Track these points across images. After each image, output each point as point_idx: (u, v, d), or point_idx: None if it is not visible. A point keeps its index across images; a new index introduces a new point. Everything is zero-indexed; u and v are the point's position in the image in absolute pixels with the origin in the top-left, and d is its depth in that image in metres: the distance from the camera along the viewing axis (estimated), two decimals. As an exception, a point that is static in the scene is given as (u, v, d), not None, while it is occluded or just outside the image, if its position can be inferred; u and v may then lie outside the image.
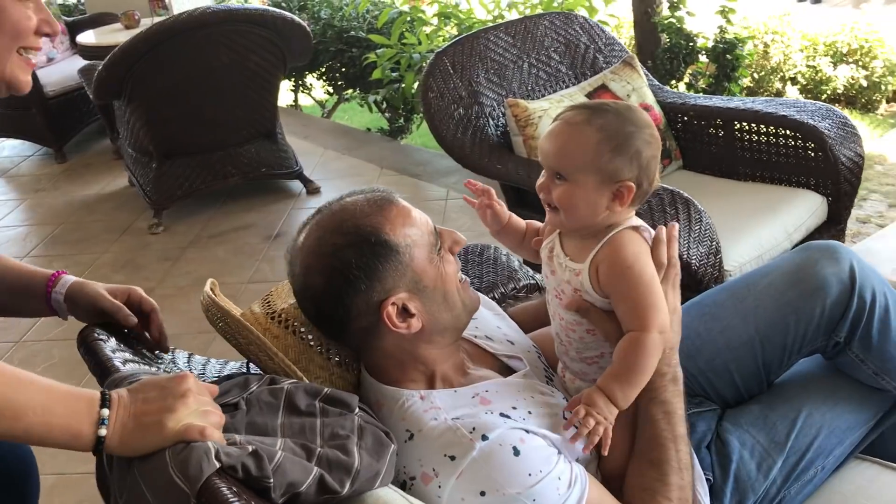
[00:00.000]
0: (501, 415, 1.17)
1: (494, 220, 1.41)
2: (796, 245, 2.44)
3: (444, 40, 4.31)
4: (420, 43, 4.29)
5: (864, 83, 5.22)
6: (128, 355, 1.18)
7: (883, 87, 5.24)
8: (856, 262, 1.39)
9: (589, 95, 2.68)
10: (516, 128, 2.51)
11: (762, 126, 2.59)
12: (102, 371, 1.09)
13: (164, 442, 0.91)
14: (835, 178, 2.47)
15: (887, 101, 5.39)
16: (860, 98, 5.34)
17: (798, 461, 1.39)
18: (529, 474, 1.09)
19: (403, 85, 4.29)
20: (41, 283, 1.27)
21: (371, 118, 5.95)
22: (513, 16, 4.19)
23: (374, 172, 4.38)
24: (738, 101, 2.73)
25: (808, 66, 5.39)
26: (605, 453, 1.18)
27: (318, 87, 5.96)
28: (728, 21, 3.87)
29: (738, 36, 3.75)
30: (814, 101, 2.67)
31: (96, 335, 1.20)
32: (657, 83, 2.94)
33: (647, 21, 4.02)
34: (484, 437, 1.11)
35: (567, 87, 2.83)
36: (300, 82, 5.85)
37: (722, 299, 1.50)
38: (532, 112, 2.50)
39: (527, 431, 1.14)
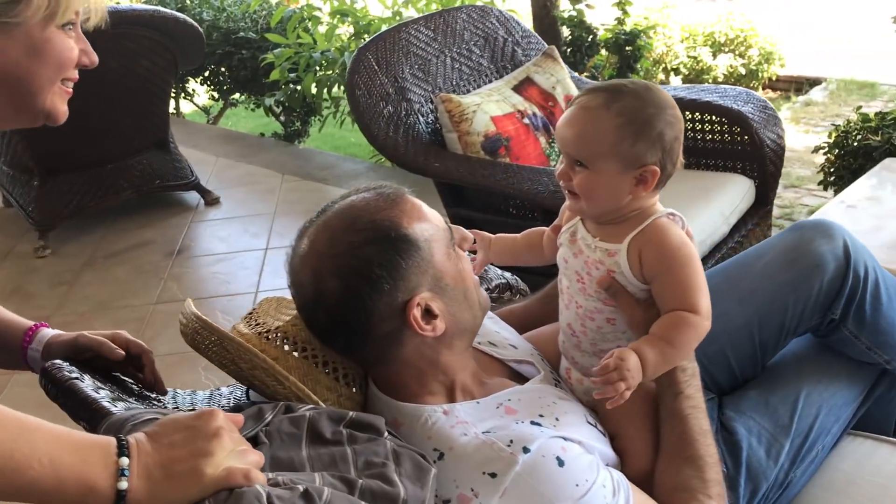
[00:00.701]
0: (532, 423, 1.09)
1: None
2: (733, 228, 2.48)
3: (344, 38, 4.18)
4: (316, 42, 4.13)
5: (743, 71, 5.47)
6: (111, 393, 1.02)
7: (760, 74, 5.50)
8: (847, 237, 1.39)
9: (515, 89, 2.64)
10: (450, 124, 2.42)
11: (689, 113, 2.61)
12: (91, 414, 0.93)
13: (203, 492, 0.78)
14: (761, 160, 2.53)
15: (763, 88, 5.67)
16: (739, 85, 5.58)
17: (803, 443, 1.38)
18: (577, 485, 1.01)
19: (301, 86, 4.13)
20: (17, 336, 1.12)
21: (261, 123, 5.72)
22: (410, 13, 4.10)
23: (276, 179, 4.19)
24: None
25: (689, 56, 5.59)
26: (609, 407, 1.10)
27: (201, 93, 5.67)
28: (625, 13, 3.93)
29: (639, 26, 3.81)
30: (734, 87, 2.72)
31: (67, 372, 1.03)
32: (576, 75, 2.93)
33: (546, 14, 4.02)
34: (525, 450, 1.02)
35: (490, 80, 2.77)
36: (181, 88, 5.55)
37: (716, 284, 1.47)
38: (465, 107, 2.43)
39: (565, 439, 1.06)
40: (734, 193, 2.49)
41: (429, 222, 1.13)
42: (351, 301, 1.07)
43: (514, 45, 2.90)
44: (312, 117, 4.75)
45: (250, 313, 1.24)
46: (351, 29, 4.23)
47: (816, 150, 2.78)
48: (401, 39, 2.61)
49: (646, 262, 1.15)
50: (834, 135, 2.68)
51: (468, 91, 2.68)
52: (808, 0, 7.67)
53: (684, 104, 2.62)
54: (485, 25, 2.86)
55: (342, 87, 4.10)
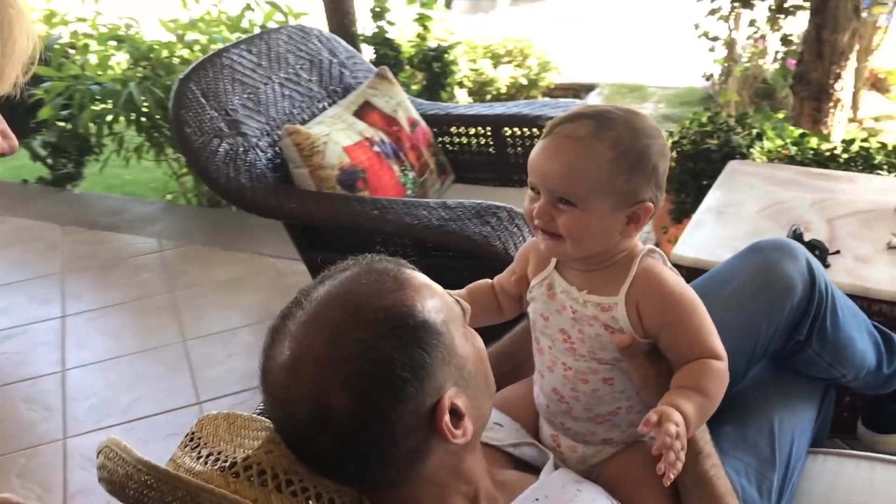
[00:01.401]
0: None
1: None
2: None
3: (117, 68, 3.70)
4: (84, 71, 3.62)
5: (524, 81, 5.59)
6: None
7: (539, 83, 5.67)
8: (808, 255, 1.35)
9: (356, 115, 2.43)
10: (299, 158, 2.16)
11: (534, 129, 2.55)
12: None
13: None
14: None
15: (543, 95, 5.85)
16: (521, 95, 5.71)
17: (785, 473, 1.33)
18: None
19: (74, 123, 3.60)
20: None
21: (12, 166, 4.97)
22: (196, 37, 3.73)
23: (54, 231, 3.62)
24: (501, 107, 2.66)
25: (471, 69, 5.63)
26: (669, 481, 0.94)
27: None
28: (426, 28, 3.84)
29: (445, 41, 3.74)
30: (566, 99, 2.71)
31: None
32: (409, 95, 2.77)
33: (344, 32, 3.82)
34: None
35: (323, 106, 2.54)
36: None
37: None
38: (315, 139, 2.17)
39: None
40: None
41: (440, 298, 0.91)
42: (369, 418, 0.83)
43: (340, 67, 2.68)
44: (88, 157, 4.18)
45: (190, 439, 0.95)
46: (127, 56, 3.76)
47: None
48: (224, 66, 2.30)
49: (647, 314, 1.02)
50: (670, 141, 2.74)
51: (304, 120, 2.42)
52: (569, 11, 8.12)
53: (529, 120, 2.55)
54: (308, 47, 2.62)
55: (126, 122, 3.63)
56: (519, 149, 2.59)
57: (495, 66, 5.65)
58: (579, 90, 5.86)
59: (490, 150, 2.64)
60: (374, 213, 2.01)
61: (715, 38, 3.14)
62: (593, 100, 5.60)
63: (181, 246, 3.38)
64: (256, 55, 2.42)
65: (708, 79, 3.30)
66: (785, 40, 3.10)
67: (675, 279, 1.04)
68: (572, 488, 1.00)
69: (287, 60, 2.52)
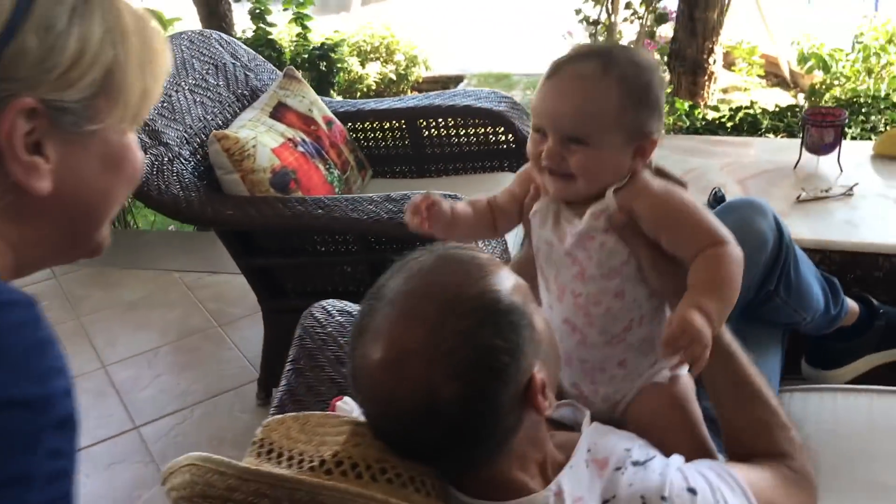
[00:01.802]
0: (634, 464, 0.97)
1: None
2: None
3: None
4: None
5: (393, 76, 5.62)
6: None
7: (409, 78, 5.72)
8: (773, 211, 1.47)
9: (273, 117, 2.38)
10: (229, 164, 2.10)
11: (451, 119, 2.59)
12: None
13: None
14: (524, 155, 2.60)
15: (411, 90, 5.90)
16: (390, 90, 5.73)
17: None
18: (718, 502, 0.93)
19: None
20: None
21: None
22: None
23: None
24: (413, 100, 2.69)
25: (338, 67, 5.61)
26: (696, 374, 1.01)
27: None
28: (306, 28, 3.79)
29: (331, 40, 3.71)
30: (481, 89, 2.77)
31: None
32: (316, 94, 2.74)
33: (221, 36, 3.72)
34: (663, 499, 0.91)
35: (234, 110, 2.47)
36: None
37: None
38: (244, 143, 2.12)
39: (674, 467, 0.97)
40: (517, 190, 2.53)
41: (516, 279, 0.93)
42: (476, 405, 0.84)
43: (244, 70, 2.61)
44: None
45: (261, 446, 0.93)
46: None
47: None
48: (133, 75, 2.20)
49: (644, 217, 1.06)
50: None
51: (219, 125, 2.35)
52: (424, 6, 8.20)
53: (444, 111, 2.59)
54: (210, 51, 2.54)
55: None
56: (435, 140, 2.63)
57: (363, 63, 5.65)
58: (447, 82, 5.96)
59: (406, 143, 2.65)
60: (320, 213, 1.99)
61: (595, 22, 3.30)
62: (461, 88, 5.73)
63: (76, 269, 3.19)
64: (162, 62, 2.33)
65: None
66: (660, 19, 3.30)
67: (661, 183, 1.08)
68: (611, 434, 1.05)
69: (193, 66, 2.44)
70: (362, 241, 2.07)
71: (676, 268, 1.06)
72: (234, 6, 3.68)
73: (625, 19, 3.36)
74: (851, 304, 1.70)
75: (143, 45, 0.68)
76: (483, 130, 2.59)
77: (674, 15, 3.22)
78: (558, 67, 1.05)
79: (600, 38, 3.33)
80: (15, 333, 0.52)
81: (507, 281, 0.89)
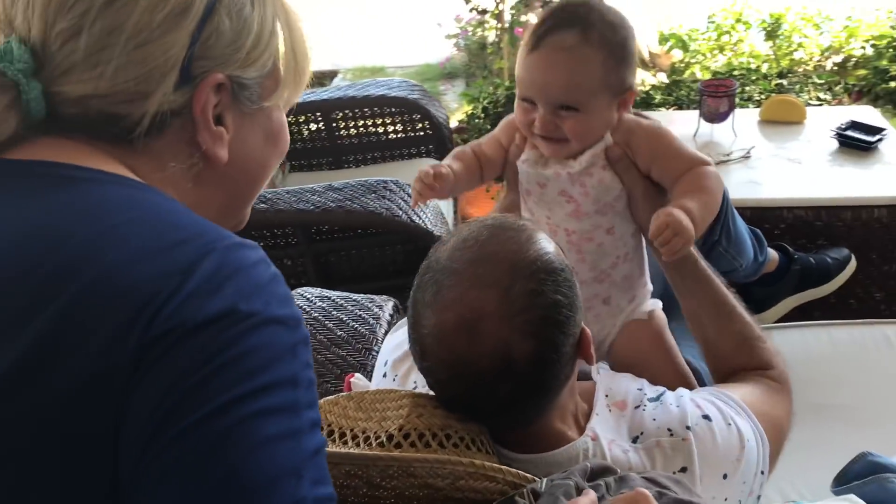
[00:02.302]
0: (651, 400, 1.07)
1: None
2: (455, 210, 2.61)
3: None
4: None
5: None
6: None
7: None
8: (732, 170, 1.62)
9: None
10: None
11: (368, 109, 2.63)
12: None
13: None
14: (442, 140, 2.68)
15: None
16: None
17: None
18: (729, 424, 1.05)
19: None
20: None
21: None
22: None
23: None
24: (327, 93, 2.71)
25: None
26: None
27: None
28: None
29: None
30: (392, 79, 2.83)
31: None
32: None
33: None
34: (687, 428, 1.02)
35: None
36: None
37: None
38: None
39: (686, 398, 1.08)
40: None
41: (553, 240, 1.00)
42: (548, 358, 0.91)
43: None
44: None
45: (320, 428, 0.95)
46: None
47: (468, 124, 3.04)
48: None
49: (640, 150, 1.18)
50: (475, 107, 2.97)
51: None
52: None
53: (359, 102, 2.64)
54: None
55: None
56: (352, 131, 2.66)
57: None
58: (321, 77, 5.93)
59: (322, 135, 2.68)
60: (263, 207, 2.00)
61: (483, 11, 3.42)
62: (337, 83, 5.72)
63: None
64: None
65: (483, 48, 3.58)
66: (547, 7, 3.45)
67: (645, 120, 1.21)
68: (619, 377, 1.14)
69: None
70: (304, 232, 2.09)
71: (663, 198, 1.18)
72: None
73: (511, 7, 3.49)
74: (772, 253, 1.89)
75: (299, 35, 0.75)
76: (399, 119, 2.65)
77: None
78: (540, 39, 1.12)
79: (491, 25, 3.45)
80: (258, 268, 0.59)
81: (551, 243, 0.97)
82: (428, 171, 1.19)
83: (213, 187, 0.72)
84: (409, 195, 2.06)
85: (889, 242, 2.07)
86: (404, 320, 1.27)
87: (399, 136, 2.67)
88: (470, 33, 5.65)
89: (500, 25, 3.45)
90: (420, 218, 1.95)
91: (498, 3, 3.39)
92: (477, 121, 2.91)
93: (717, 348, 1.23)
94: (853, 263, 1.98)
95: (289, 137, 0.78)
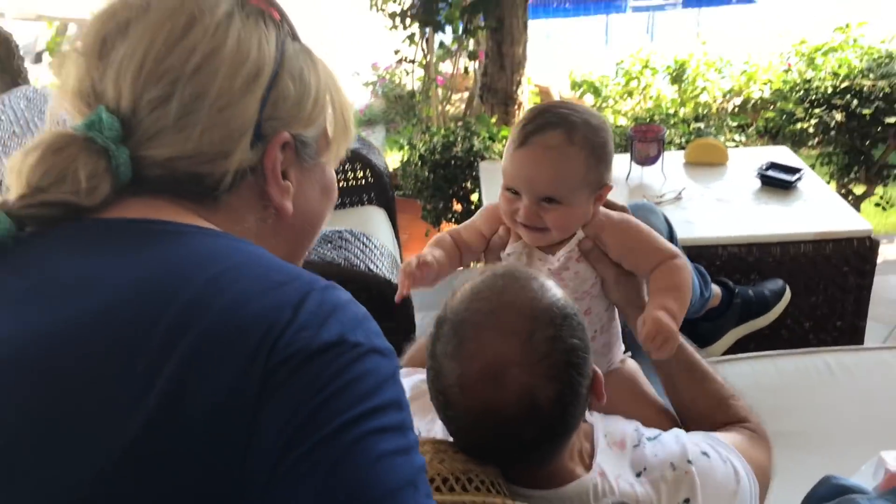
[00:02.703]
0: (649, 439, 1.14)
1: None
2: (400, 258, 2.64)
3: None
4: None
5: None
6: None
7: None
8: (661, 210, 1.72)
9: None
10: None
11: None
12: None
13: None
14: (383, 187, 2.73)
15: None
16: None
17: None
18: (725, 461, 1.12)
19: None
20: None
21: None
22: None
23: None
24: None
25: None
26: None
27: None
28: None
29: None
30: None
31: None
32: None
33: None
34: (689, 462, 1.09)
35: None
36: None
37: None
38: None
39: (683, 437, 1.15)
40: (383, 222, 2.64)
41: (559, 286, 1.05)
42: (569, 400, 0.95)
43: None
44: None
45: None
46: None
47: (403, 171, 3.08)
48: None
49: (612, 244, 1.27)
50: (410, 154, 3.02)
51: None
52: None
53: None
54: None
55: None
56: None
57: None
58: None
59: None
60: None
61: (412, 61, 3.50)
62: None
63: None
64: (6, 122, 2.19)
65: (412, 96, 3.65)
66: (471, 56, 3.57)
67: (615, 212, 1.30)
68: (613, 419, 1.20)
69: (35, 125, 2.31)
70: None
71: (633, 278, 1.28)
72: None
73: (437, 58, 3.58)
74: (715, 288, 2.00)
75: (343, 95, 0.81)
76: (341, 168, 2.67)
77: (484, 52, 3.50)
78: (528, 137, 1.21)
79: (416, 75, 3.53)
80: (352, 305, 0.64)
81: (559, 289, 1.02)
82: (412, 261, 1.25)
83: (279, 238, 0.77)
84: (363, 243, 2.09)
85: (815, 275, 2.22)
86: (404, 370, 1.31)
87: (341, 185, 2.69)
88: (387, 81, 5.76)
89: (426, 75, 3.53)
90: (378, 267, 1.98)
91: (425, 54, 3.48)
92: (413, 168, 2.96)
93: (694, 410, 1.30)
94: (788, 294, 2.11)
95: (337, 190, 0.85)
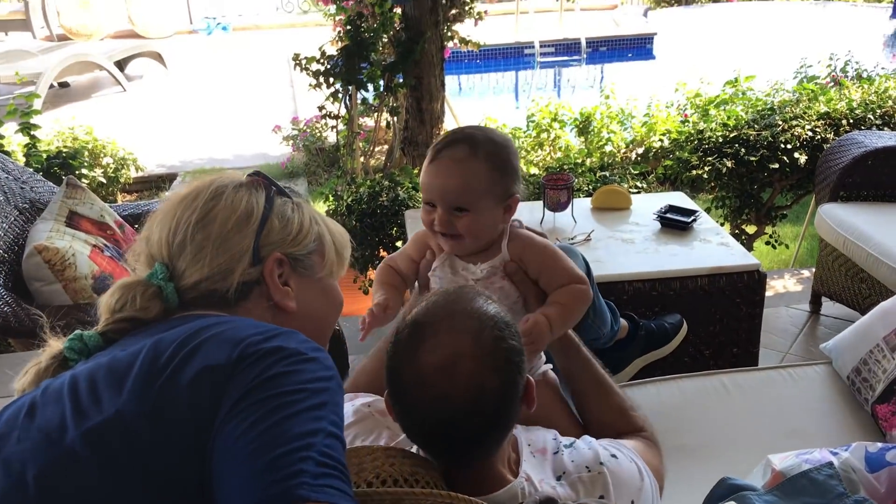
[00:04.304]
0: (566, 446, 1.30)
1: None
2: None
3: None
4: None
5: (103, 179, 5.43)
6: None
7: (119, 180, 5.57)
8: (580, 251, 1.90)
9: (68, 225, 2.39)
10: (51, 275, 2.10)
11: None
12: None
13: None
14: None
15: (122, 192, 5.76)
16: (100, 193, 5.53)
17: None
18: (631, 461, 1.29)
19: None
20: None
21: None
22: None
23: None
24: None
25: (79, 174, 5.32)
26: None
27: None
28: (34, 138, 3.68)
29: (69, 147, 3.62)
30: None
31: None
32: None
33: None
34: (601, 464, 1.25)
35: (20, 223, 2.43)
36: None
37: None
38: (64, 253, 2.13)
39: (594, 443, 1.30)
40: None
41: None
42: (511, 393, 1.09)
43: (17, 183, 2.57)
44: None
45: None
46: None
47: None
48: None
49: (531, 263, 1.46)
50: (336, 204, 3.16)
51: (12, 240, 2.31)
52: (131, 104, 7.94)
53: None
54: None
55: None
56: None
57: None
58: (160, 182, 5.91)
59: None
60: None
61: (336, 116, 3.66)
62: (176, 188, 5.73)
63: None
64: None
65: (337, 149, 3.80)
66: (392, 112, 3.75)
67: (538, 236, 1.49)
68: (533, 429, 1.34)
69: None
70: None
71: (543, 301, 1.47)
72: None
73: (359, 113, 3.76)
74: (622, 321, 2.20)
75: (336, 229, 1.16)
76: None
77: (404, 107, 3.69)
78: (438, 153, 1.39)
79: (339, 129, 3.70)
80: (300, 335, 0.94)
81: (499, 304, 1.18)
82: (373, 309, 1.44)
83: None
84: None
85: (711, 307, 2.46)
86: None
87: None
88: (309, 134, 5.90)
89: (349, 130, 3.70)
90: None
91: (349, 110, 3.65)
92: (340, 217, 3.10)
93: (600, 420, 1.47)
94: (685, 326, 2.33)
95: (342, 297, 1.17)
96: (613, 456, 1.26)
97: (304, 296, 1.09)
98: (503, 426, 1.13)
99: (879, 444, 1.50)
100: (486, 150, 1.38)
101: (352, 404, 1.37)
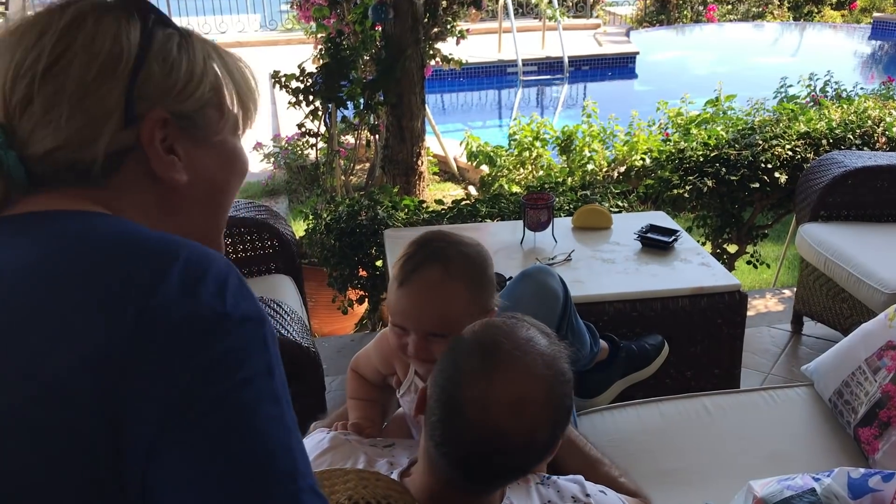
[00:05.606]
0: (548, 477, 1.29)
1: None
2: (308, 318, 2.72)
3: None
4: None
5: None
6: None
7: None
8: (557, 273, 1.88)
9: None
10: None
11: (227, 231, 2.72)
12: None
13: None
14: (290, 255, 2.83)
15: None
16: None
17: None
18: (620, 499, 1.28)
19: None
20: None
21: None
22: None
23: None
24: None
25: None
26: None
27: None
28: None
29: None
30: (237, 200, 2.94)
31: None
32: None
33: None
34: (587, 495, 1.24)
35: None
36: None
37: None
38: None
39: (580, 478, 1.30)
40: (291, 290, 2.73)
41: None
42: (553, 444, 1.10)
43: None
44: None
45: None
46: None
47: (309, 239, 3.18)
48: None
49: None
50: (316, 223, 3.13)
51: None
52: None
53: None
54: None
55: None
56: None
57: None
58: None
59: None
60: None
61: (316, 134, 3.63)
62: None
63: None
64: None
65: (317, 167, 3.77)
66: (372, 129, 3.74)
67: None
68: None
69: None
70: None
71: None
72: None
73: (339, 131, 3.73)
74: (602, 343, 2.18)
75: (237, 73, 0.88)
76: (249, 238, 2.76)
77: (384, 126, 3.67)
78: (408, 276, 1.28)
79: (320, 147, 3.67)
80: (217, 265, 0.69)
81: None
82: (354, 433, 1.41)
83: (185, 215, 0.83)
84: (274, 309, 2.18)
85: (692, 327, 2.44)
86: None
87: (248, 254, 2.78)
88: (290, 152, 5.88)
89: (329, 148, 3.68)
90: (289, 332, 2.06)
91: (328, 128, 3.63)
92: (319, 236, 3.07)
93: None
94: (666, 348, 2.30)
95: (247, 160, 0.90)
96: (602, 492, 1.26)
97: (196, 164, 0.82)
98: (532, 469, 1.14)
99: (862, 470, 1.48)
100: (461, 269, 1.28)
101: (330, 434, 1.35)
